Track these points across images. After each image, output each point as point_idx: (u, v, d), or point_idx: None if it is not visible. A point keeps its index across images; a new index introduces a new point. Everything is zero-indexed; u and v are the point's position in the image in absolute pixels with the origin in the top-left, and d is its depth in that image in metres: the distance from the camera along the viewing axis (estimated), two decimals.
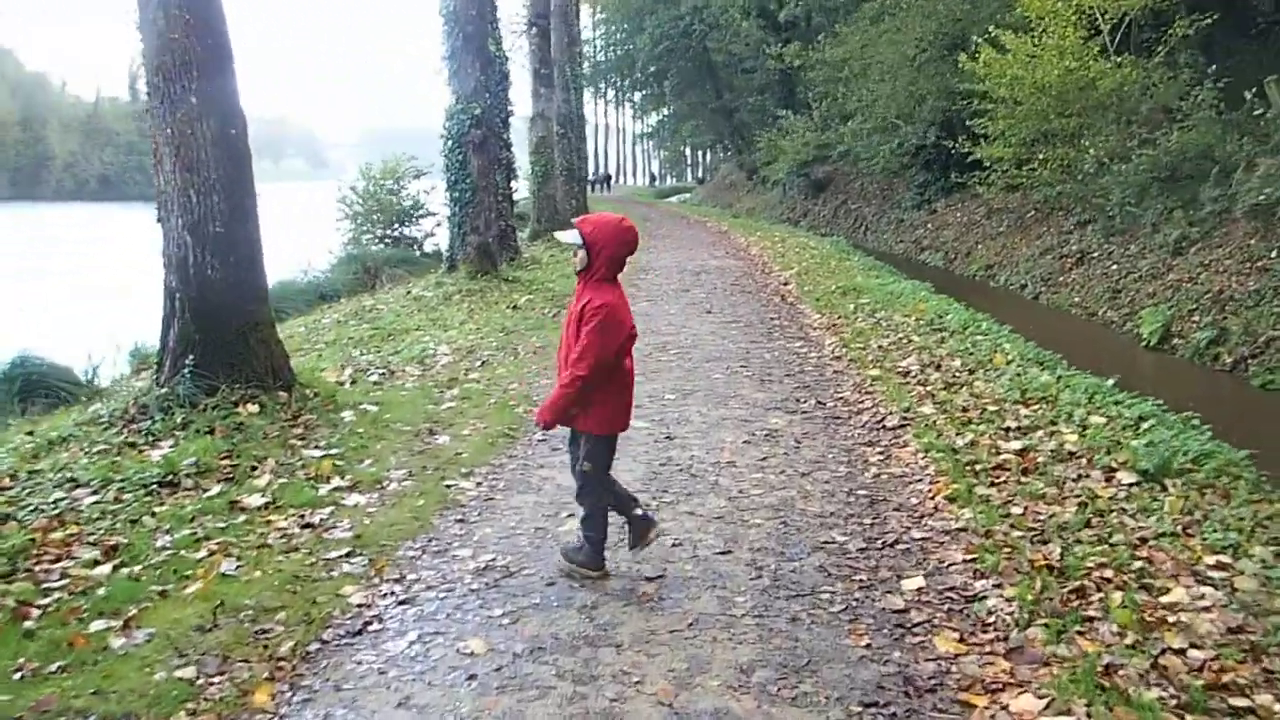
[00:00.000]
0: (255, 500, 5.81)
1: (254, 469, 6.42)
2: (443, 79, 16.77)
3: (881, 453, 6.82)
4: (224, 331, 7.64)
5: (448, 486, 6.17)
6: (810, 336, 11.63)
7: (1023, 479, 5.94)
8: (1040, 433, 6.94)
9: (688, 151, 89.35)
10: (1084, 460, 6.26)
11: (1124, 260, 17.76)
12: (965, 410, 7.64)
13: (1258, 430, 8.90)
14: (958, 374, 9.01)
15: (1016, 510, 5.41)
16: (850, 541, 5.13)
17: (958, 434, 6.96)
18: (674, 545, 5.05)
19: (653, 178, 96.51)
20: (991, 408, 7.65)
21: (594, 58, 65.35)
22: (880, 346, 10.48)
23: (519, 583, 4.69)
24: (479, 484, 6.25)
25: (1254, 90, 16.41)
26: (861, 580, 4.63)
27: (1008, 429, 7.07)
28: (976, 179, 24.27)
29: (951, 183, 27.93)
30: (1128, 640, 3.93)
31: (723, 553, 5.00)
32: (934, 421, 7.36)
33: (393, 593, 4.58)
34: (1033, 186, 22.27)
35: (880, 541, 5.12)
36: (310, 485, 6.10)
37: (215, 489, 5.99)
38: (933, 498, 5.73)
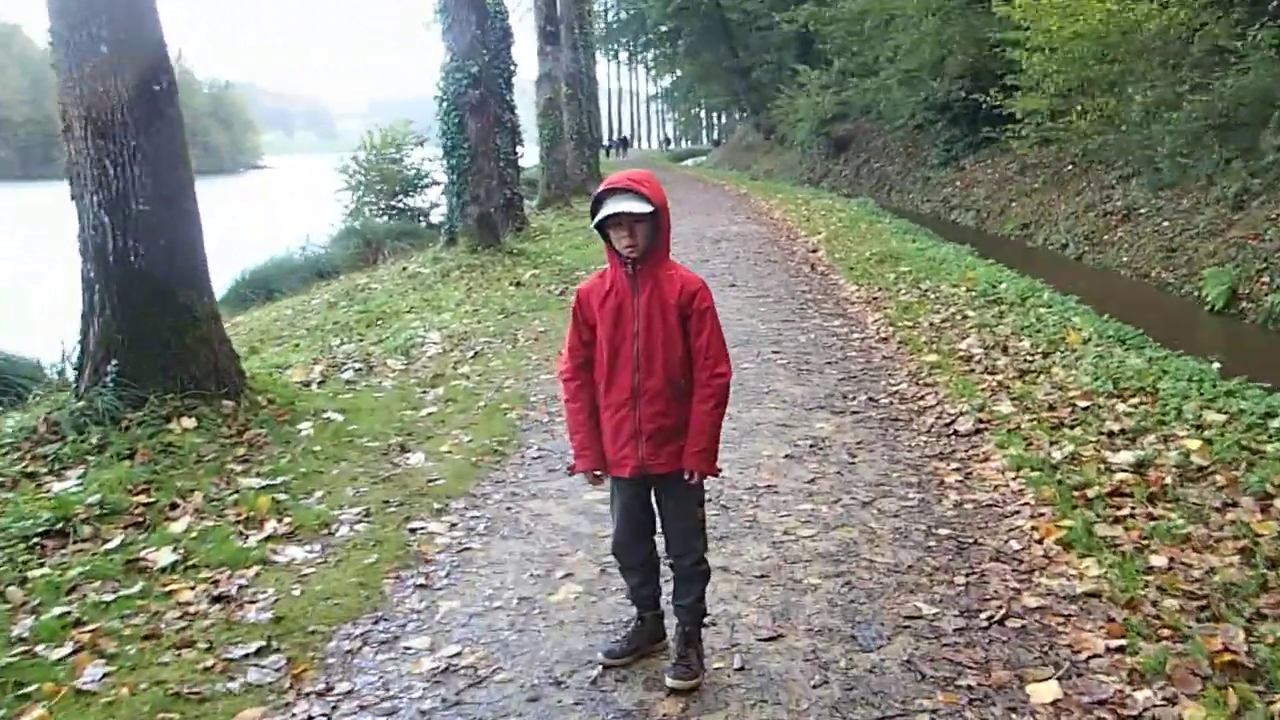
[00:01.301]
0: (163, 557, 4.50)
1: (174, 507, 5.12)
2: (436, 35, 15.36)
3: (959, 470, 5.43)
4: (154, 330, 6.31)
5: (412, 531, 4.80)
6: (849, 313, 10.22)
7: (1152, 510, 4.57)
8: (1151, 438, 5.56)
9: (702, 114, 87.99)
10: (1219, 479, 4.87)
11: (1176, 216, 16.40)
12: (1052, 408, 6.24)
13: None
14: (1030, 358, 7.62)
15: (1158, 561, 4.04)
16: (942, 616, 3.75)
17: (1051, 442, 5.57)
18: (705, 624, 3.69)
19: (667, 140, 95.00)
20: (1082, 404, 6.26)
21: (605, 17, 63.80)
22: (932, 324, 9.08)
23: (489, 696, 3.33)
24: (453, 526, 4.89)
25: None
26: (970, 687, 3.26)
27: (1110, 434, 5.69)
28: (1011, 133, 23.16)
29: (980, 138, 26.84)
30: None
31: (771, 639, 3.63)
32: (1017, 425, 5.97)
33: (310, 719, 3.26)
34: (1070, 139, 20.97)
35: (984, 615, 3.74)
36: (238, 532, 4.79)
37: (117, 539, 4.69)
38: (1040, 540, 4.35)
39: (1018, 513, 4.71)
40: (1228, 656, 3.27)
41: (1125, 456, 5.25)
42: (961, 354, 7.89)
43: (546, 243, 17.23)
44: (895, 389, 7.21)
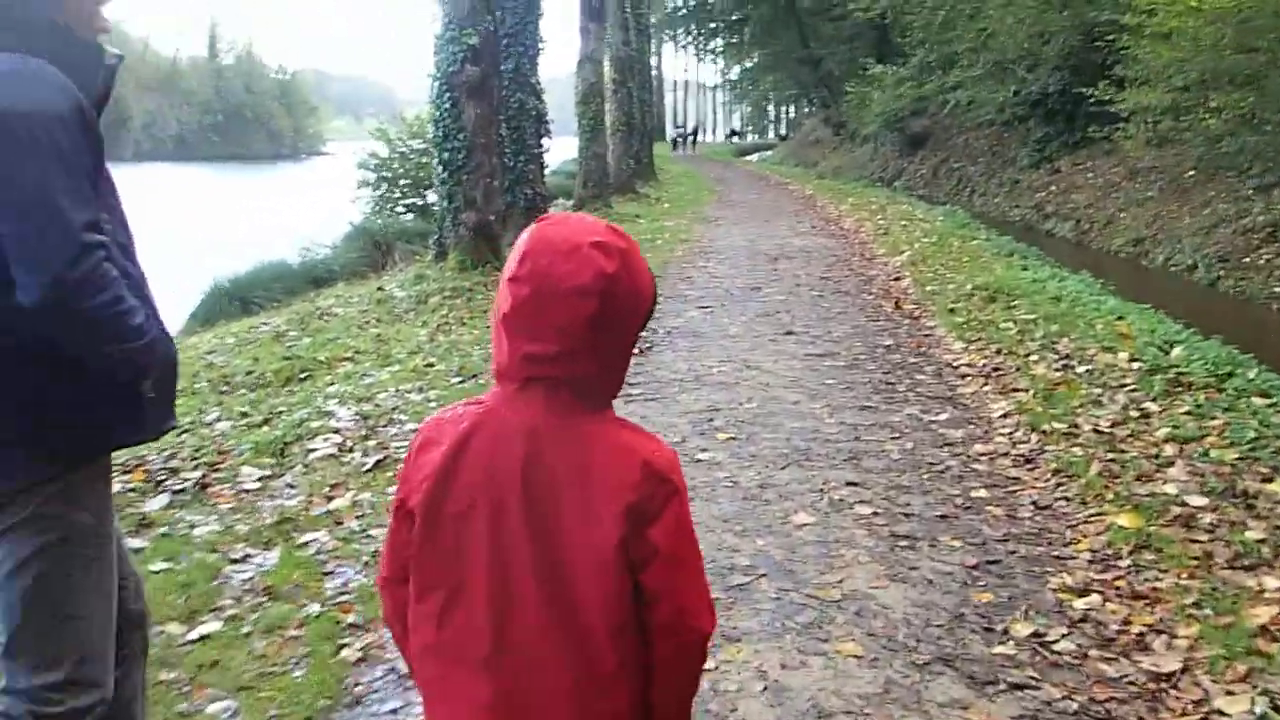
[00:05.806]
0: None
1: None
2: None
3: None
4: None
5: None
6: (959, 395, 6.86)
7: None
8: None
9: (770, 107, 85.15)
10: None
11: None
12: None
13: None
14: None
15: None
16: None
17: None
18: None
19: (733, 133, 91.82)
20: None
21: (668, 3, 61.03)
22: (1099, 431, 5.72)
23: None
24: None
25: None
26: None
27: None
28: (1122, 132, 20.09)
29: (1079, 136, 23.70)
30: None
31: None
32: None
33: None
34: (1193, 141, 18.10)
35: None
36: None
37: None
38: None
39: None
40: None
41: None
42: (1176, 512, 4.52)
43: None
44: (1084, 607, 3.83)
